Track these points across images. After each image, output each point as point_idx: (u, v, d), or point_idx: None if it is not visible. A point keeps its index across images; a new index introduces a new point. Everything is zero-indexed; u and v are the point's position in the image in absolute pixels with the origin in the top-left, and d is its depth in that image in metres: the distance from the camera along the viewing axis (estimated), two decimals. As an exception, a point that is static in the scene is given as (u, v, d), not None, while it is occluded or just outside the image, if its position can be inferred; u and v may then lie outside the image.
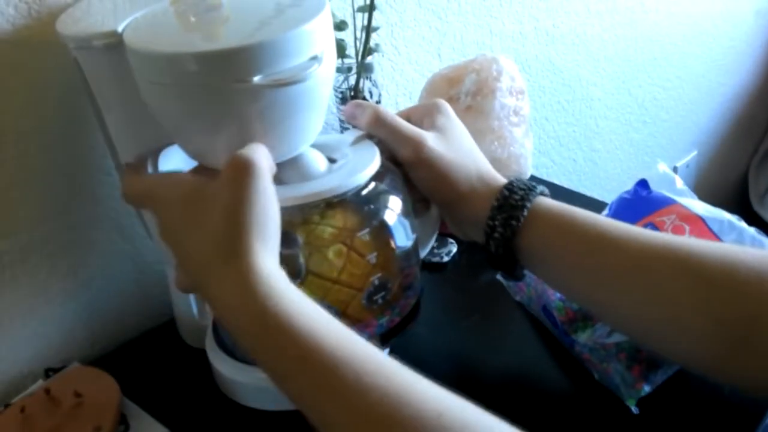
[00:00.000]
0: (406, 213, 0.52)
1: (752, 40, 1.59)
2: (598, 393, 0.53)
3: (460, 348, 0.60)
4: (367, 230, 0.49)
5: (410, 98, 0.90)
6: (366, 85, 0.70)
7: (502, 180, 0.52)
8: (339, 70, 0.68)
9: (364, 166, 0.49)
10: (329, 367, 0.36)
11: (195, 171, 0.48)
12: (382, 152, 0.51)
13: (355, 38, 0.68)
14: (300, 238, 0.47)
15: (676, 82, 1.43)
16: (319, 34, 0.43)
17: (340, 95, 0.71)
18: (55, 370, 0.59)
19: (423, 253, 0.57)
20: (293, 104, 0.44)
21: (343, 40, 0.67)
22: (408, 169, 0.52)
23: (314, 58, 0.43)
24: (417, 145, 0.51)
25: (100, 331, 0.65)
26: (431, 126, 0.53)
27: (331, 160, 0.52)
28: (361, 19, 0.67)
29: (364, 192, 0.49)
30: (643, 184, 0.60)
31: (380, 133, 0.52)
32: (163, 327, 0.66)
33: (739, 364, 0.43)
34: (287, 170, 0.48)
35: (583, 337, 0.54)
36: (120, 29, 0.45)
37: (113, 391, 0.55)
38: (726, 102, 1.63)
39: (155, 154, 0.51)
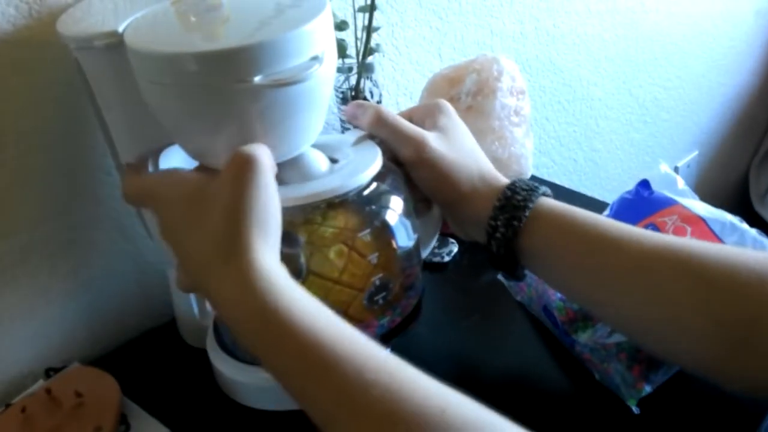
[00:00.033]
0: (407, 213, 0.52)
1: (752, 40, 1.59)
2: (599, 393, 0.53)
3: (461, 348, 0.60)
4: (368, 231, 0.49)
5: (411, 98, 0.90)
6: (367, 85, 0.70)
7: (505, 180, 0.52)
8: (340, 70, 0.68)
9: (365, 166, 0.49)
10: (330, 363, 0.36)
11: (196, 170, 0.48)
12: (384, 152, 0.51)
13: (356, 38, 0.68)
14: (302, 238, 0.47)
15: (676, 82, 1.43)
16: (319, 34, 0.43)
17: (340, 95, 0.71)
18: (56, 370, 0.59)
19: (424, 254, 0.57)
20: (294, 104, 0.44)
21: (343, 40, 0.67)
22: (410, 169, 0.52)
23: (315, 58, 0.43)
24: (419, 145, 0.51)
25: (100, 331, 0.65)
26: (433, 126, 0.53)
27: (333, 160, 0.52)
28: (362, 19, 0.67)
29: (366, 192, 0.49)
30: (644, 184, 0.60)
31: (382, 133, 0.52)
32: (163, 327, 0.66)
33: (738, 366, 0.43)
34: (289, 170, 0.48)
35: (583, 337, 0.54)
36: (121, 29, 0.45)
37: (114, 391, 0.55)
38: (726, 102, 1.62)
39: (156, 154, 0.51)
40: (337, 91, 0.70)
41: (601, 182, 1.35)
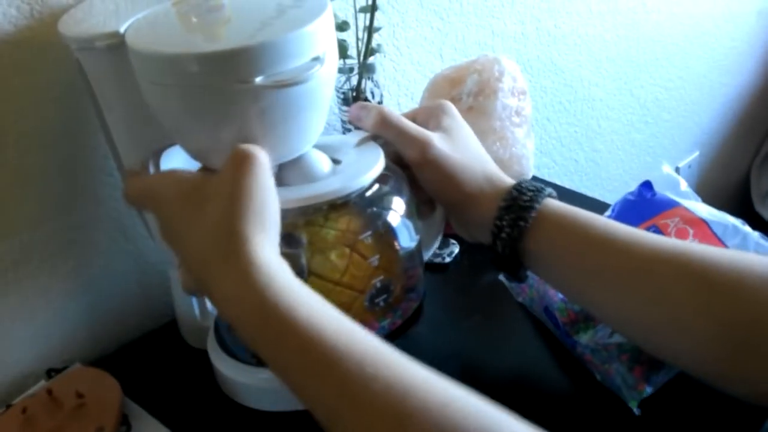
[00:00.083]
0: (409, 215, 0.52)
1: (754, 40, 1.59)
2: (600, 394, 0.53)
3: (462, 348, 0.60)
4: (370, 233, 0.49)
5: (412, 99, 0.90)
6: (368, 85, 0.70)
7: (510, 181, 0.52)
8: (341, 70, 0.68)
9: (368, 168, 0.49)
10: (331, 357, 0.36)
11: (197, 171, 0.48)
12: (387, 154, 0.51)
13: (357, 39, 0.68)
14: (304, 239, 0.47)
15: (678, 83, 1.43)
16: (320, 34, 0.43)
17: (341, 96, 0.71)
18: (57, 371, 0.59)
19: (426, 256, 0.57)
20: (295, 105, 0.44)
21: (344, 40, 0.67)
22: (414, 170, 0.52)
23: (316, 59, 0.43)
24: (423, 146, 0.51)
25: (101, 331, 0.65)
26: (437, 127, 0.53)
27: (336, 161, 0.52)
28: (363, 19, 0.67)
29: (368, 194, 0.49)
30: (647, 185, 0.60)
31: (386, 134, 0.52)
32: (164, 327, 0.66)
33: (740, 368, 0.43)
34: (291, 171, 0.48)
35: (584, 338, 0.54)
36: (122, 30, 0.45)
37: (115, 392, 0.55)
38: (728, 102, 1.62)
39: (157, 155, 0.51)
40: (338, 91, 0.70)
41: (602, 183, 1.35)
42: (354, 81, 0.70)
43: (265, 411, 0.53)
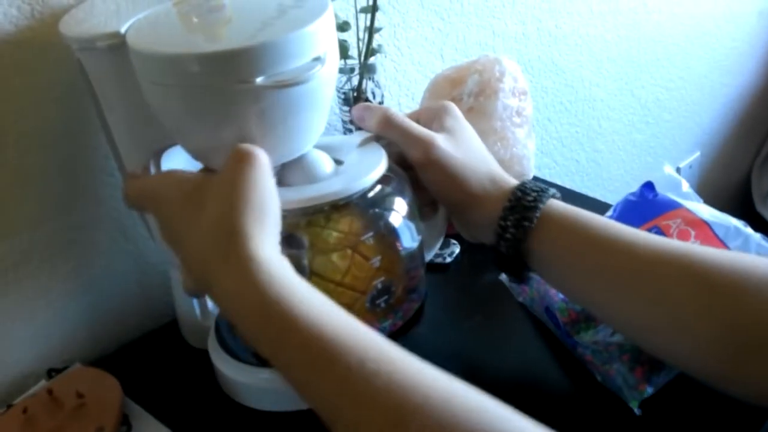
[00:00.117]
0: (411, 216, 0.52)
1: (755, 40, 1.59)
2: (601, 395, 0.53)
3: (462, 348, 0.60)
4: (372, 234, 0.49)
5: (413, 99, 0.90)
6: (369, 86, 0.70)
7: (513, 181, 0.52)
8: (342, 71, 0.68)
9: (370, 168, 0.48)
10: (332, 353, 0.36)
11: (198, 172, 0.48)
12: (390, 155, 0.51)
13: (358, 39, 0.68)
14: (305, 240, 0.47)
15: (679, 83, 1.43)
16: (321, 35, 0.43)
17: (342, 96, 0.71)
18: (58, 371, 0.59)
19: (428, 257, 0.57)
20: (296, 105, 0.44)
21: (345, 41, 0.67)
22: (418, 170, 0.52)
23: (317, 59, 0.43)
24: (427, 146, 0.51)
25: (102, 331, 0.65)
26: (440, 128, 0.53)
27: (338, 162, 0.52)
28: (364, 19, 0.67)
29: (370, 195, 0.49)
30: (649, 186, 0.60)
31: (390, 134, 0.52)
32: (165, 327, 0.66)
33: (740, 369, 0.43)
34: (293, 171, 0.48)
35: (585, 339, 0.54)
36: (123, 30, 0.45)
37: (115, 392, 0.55)
38: (729, 103, 1.62)
39: (158, 155, 0.51)
40: (339, 92, 0.70)
41: (603, 183, 1.35)
42: (355, 81, 0.69)
43: (265, 411, 0.53)
